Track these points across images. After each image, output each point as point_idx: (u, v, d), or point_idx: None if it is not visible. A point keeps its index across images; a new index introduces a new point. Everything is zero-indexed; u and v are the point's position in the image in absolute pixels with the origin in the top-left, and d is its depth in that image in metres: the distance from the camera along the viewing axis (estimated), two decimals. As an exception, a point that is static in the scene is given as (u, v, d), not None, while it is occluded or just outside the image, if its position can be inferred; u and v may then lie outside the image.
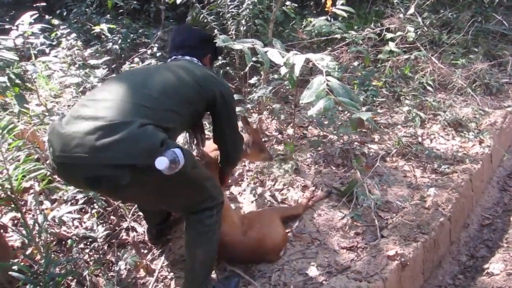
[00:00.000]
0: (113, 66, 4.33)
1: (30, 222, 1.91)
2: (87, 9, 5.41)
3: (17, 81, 2.81)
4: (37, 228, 1.67)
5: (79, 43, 4.52)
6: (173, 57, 1.95)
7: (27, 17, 3.26)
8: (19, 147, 1.92)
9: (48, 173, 2.06)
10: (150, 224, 2.23)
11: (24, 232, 1.74)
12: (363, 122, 1.51)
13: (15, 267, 1.50)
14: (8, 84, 2.82)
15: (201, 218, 1.73)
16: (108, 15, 5.31)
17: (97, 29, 3.74)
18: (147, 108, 1.47)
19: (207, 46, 2.03)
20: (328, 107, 1.49)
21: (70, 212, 1.85)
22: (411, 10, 3.52)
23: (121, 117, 1.39)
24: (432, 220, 2.26)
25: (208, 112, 1.85)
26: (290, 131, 3.38)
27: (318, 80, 1.65)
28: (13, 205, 1.82)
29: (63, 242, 2.08)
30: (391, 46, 2.92)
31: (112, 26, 4.05)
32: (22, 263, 1.56)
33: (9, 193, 1.73)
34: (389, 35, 3.04)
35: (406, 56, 3.19)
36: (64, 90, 4.22)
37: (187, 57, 1.93)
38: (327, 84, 1.61)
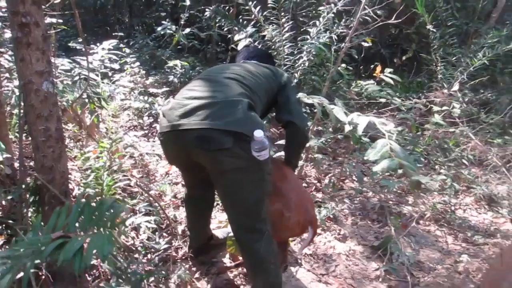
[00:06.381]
0: (170, 97, 4.68)
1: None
2: (151, 42, 5.92)
3: (95, 99, 3.16)
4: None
5: (142, 71, 4.95)
6: (242, 61, 2.34)
7: (106, 44, 3.70)
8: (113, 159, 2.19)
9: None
10: (193, 242, 2.43)
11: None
12: (420, 184, 1.72)
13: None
14: (87, 100, 3.18)
15: (250, 240, 1.87)
16: (169, 50, 5.78)
17: (171, 63, 4.12)
18: (245, 92, 1.84)
19: (270, 60, 2.43)
20: (393, 167, 1.70)
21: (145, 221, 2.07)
22: (456, 87, 3.78)
23: (230, 97, 1.76)
24: (463, 285, 2.39)
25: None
26: (327, 181, 3.59)
27: (382, 142, 1.88)
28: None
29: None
30: (437, 118, 3.17)
31: (185, 63, 4.44)
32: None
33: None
34: (435, 108, 3.29)
35: (451, 130, 3.42)
36: (122, 112, 4.58)
37: (255, 61, 2.31)
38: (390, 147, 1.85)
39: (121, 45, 4.81)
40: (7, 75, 2.55)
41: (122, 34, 4.75)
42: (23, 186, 1.85)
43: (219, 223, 2.78)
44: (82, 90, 3.05)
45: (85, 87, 2.94)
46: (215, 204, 2.64)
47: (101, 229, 1.03)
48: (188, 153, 1.77)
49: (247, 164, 1.73)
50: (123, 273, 1.57)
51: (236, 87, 1.87)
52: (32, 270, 1.05)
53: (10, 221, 1.82)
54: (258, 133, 1.64)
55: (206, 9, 4.18)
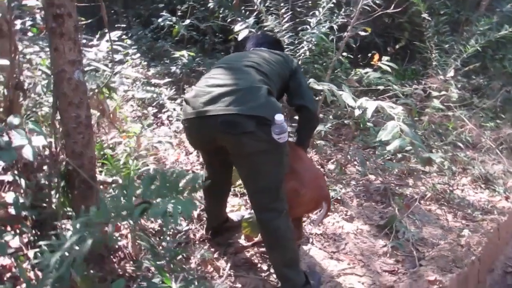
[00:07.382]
0: (173, 87, 4.73)
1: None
2: (148, 33, 5.95)
3: (105, 89, 3.23)
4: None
5: (144, 62, 5.00)
6: (252, 49, 2.43)
7: (112, 36, 3.76)
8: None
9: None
10: (209, 224, 2.54)
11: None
12: (431, 161, 1.86)
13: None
14: (96, 90, 3.25)
15: (270, 218, 1.97)
16: (169, 41, 5.81)
17: (177, 54, 4.19)
18: (263, 78, 1.96)
19: (279, 46, 2.53)
20: (403, 146, 1.84)
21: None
22: (451, 73, 3.93)
23: (251, 84, 1.88)
24: (465, 257, 2.55)
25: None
26: (330, 166, 3.73)
27: (392, 124, 2.02)
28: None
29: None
30: (436, 103, 3.32)
31: (191, 53, 4.50)
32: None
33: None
34: (434, 93, 3.44)
35: (449, 113, 3.57)
36: (126, 103, 4.64)
37: (265, 47, 2.40)
38: (400, 128, 1.99)
39: (123, 37, 4.85)
40: (28, 65, 2.61)
41: (124, 25, 4.78)
42: (52, 172, 1.93)
43: (232, 207, 2.90)
44: (103, 79, 3.11)
45: (109, 76, 2.99)
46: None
47: (179, 195, 1.14)
48: (214, 138, 1.88)
49: (268, 146, 1.85)
50: (157, 250, 1.67)
51: (255, 74, 1.98)
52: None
53: (42, 203, 1.90)
54: (279, 117, 1.76)
55: (210, 0, 4.24)
